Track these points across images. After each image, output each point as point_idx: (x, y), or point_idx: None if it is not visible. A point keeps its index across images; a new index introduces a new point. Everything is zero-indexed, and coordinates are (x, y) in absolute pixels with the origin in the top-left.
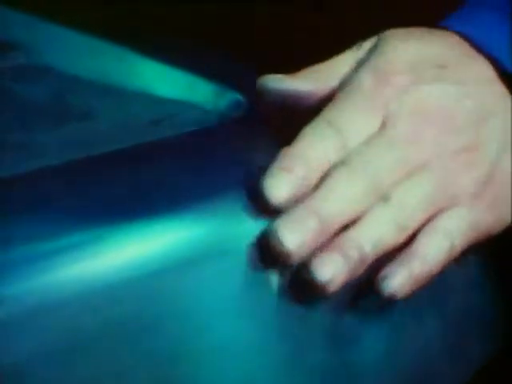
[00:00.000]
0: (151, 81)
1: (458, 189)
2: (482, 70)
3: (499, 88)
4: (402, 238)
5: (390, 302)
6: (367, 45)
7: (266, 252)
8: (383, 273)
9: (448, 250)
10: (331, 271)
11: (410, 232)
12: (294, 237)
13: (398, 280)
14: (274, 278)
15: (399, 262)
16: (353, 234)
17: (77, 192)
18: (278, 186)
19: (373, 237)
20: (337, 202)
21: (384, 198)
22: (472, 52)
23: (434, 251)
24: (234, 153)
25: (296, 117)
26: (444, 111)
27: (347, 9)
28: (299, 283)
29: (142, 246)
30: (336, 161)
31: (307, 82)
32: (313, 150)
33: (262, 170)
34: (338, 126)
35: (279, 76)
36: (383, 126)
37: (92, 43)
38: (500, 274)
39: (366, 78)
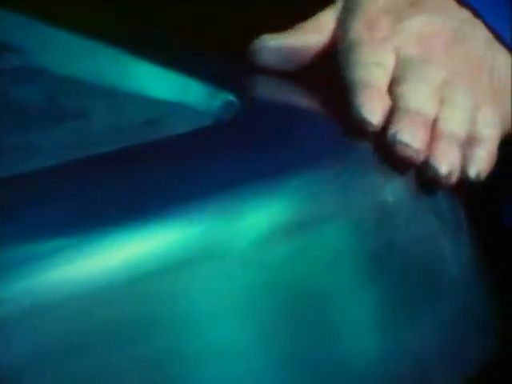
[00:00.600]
0: (144, 82)
1: (476, 92)
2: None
3: (464, 12)
4: (469, 126)
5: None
6: (339, 3)
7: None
8: (468, 155)
9: (496, 133)
10: (449, 161)
11: (472, 120)
12: (415, 139)
13: (481, 158)
14: (268, 280)
15: (472, 145)
16: (444, 125)
17: (71, 193)
18: (374, 107)
19: (459, 123)
20: (419, 100)
21: (443, 99)
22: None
23: (490, 134)
24: (227, 154)
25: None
26: (437, 34)
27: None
28: None
29: (137, 247)
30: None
31: (303, 37)
32: (371, 72)
33: (260, 170)
34: (376, 61)
35: (275, 35)
36: (400, 55)
37: (86, 44)
38: (498, 275)
39: (357, 27)
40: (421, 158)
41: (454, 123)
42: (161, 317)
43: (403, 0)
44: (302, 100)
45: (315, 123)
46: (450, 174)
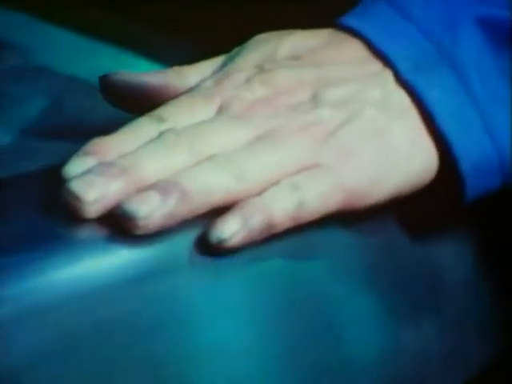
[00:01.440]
0: None
1: (310, 158)
2: (351, 52)
3: (371, 66)
4: (239, 189)
5: (222, 251)
6: (234, 50)
7: None
8: (215, 220)
9: (295, 203)
10: (148, 208)
11: (248, 185)
12: (94, 188)
13: (229, 226)
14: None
15: (234, 209)
16: (173, 176)
17: None
18: (72, 166)
19: (197, 179)
20: (143, 159)
21: (210, 157)
22: (342, 38)
23: (276, 202)
24: None
25: None
26: (289, 93)
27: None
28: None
29: (137, 247)
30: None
31: (160, 77)
32: (123, 135)
33: None
34: (164, 116)
35: (127, 71)
36: (217, 112)
37: (87, 43)
38: (500, 276)
39: (208, 80)
40: (92, 213)
41: (198, 177)
42: (162, 316)
43: (284, 52)
44: None
45: None
46: (145, 219)
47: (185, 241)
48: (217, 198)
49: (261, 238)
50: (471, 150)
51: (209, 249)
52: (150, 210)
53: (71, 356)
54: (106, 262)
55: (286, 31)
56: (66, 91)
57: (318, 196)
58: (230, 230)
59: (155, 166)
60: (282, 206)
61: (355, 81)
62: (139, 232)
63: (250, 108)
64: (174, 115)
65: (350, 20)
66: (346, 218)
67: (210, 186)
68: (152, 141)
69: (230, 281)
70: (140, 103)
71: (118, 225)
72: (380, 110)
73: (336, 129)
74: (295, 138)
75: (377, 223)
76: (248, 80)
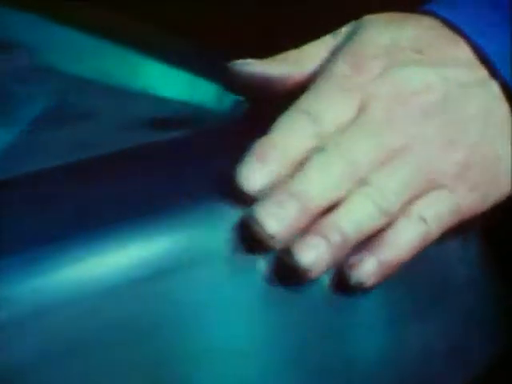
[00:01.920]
0: (153, 81)
1: (437, 172)
2: (460, 53)
3: (479, 71)
4: (382, 222)
5: (359, 291)
6: (344, 30)
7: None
8: (351, 260)
9: (422, 236)
10: (314, 255)
11: (390, 216)
12: (274, 221)
13: (366, 268)
14: (262, 272)
15: (369, 248)
16: (334, 217)
17: (78, 193)
18: (253, 177)
19: (354, 220)
20: (315, 185)
21: (363, 182)
22: (450, 35)
23: (406, 238)
24: (237, 153)
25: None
26: (421, 93)
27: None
28: (285, 273)
29: (142, 248)
30: (312, 148)
31: (281, 67)
32: (288, 138)
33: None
34: (314, 113)
35: (251, 60)
36: (360, 111)
37: (94, 43)
38: (503, 275)
39: (341, 64)
40: (276, 246)
41: (354, 216)
42: (166, 317)
43: (409, 42)
44: None
45: None
46: (310, 264)
47: (186, 242)
48: (365, 235)
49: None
50: None
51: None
52: (315, 258)
53: (74, 358)
54: (108, 264)
55: (397, 14)
56: (72, 91)
57: (440, 226)
58: (367, 272)
59: (323, 189)
60: (410, 240)
61: (470, 88)
62: (305, 278)
63: (389, 111)
64: (321, 113)
65: (446, 12)
66: None
67: (363, 225)
68: (316, 159)
69: (232, 282)
70: (261, 91)
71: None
72: (484, 125)
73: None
74: (424, 154)
75: None
76: (381, 74)
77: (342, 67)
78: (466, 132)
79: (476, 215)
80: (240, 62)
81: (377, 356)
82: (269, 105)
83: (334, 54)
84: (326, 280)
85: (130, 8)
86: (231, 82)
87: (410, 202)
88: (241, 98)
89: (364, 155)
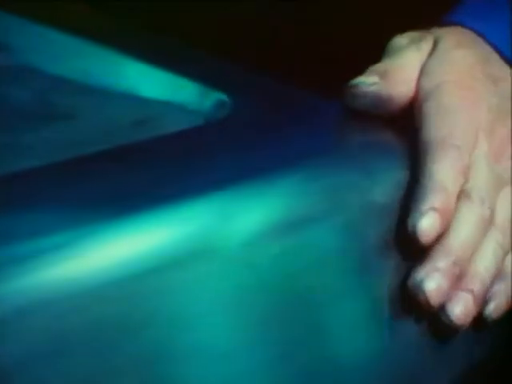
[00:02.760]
0: (135, 81)
1: None
2: (501, 72)
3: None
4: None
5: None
6: (425, 45)
7: None
8: (446, 300)
9: (496, 265)
10: (463, 309)
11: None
12: (434, 285)
13: (463, 306)
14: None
15: (463, 286)
16: (475, 268)
17: (61, 192)
18: (431, 225)
19: (489, 266)
20: (465, 239)
21: (491, 222)
22: (494, 53)
23: (485, 270)
24: (218, 153)
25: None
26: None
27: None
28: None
29: (127, 247)
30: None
31: (398, 87)
32: (449, 179)
33: (251, 170)
34: (458, 144)
35: (371, 79)
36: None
37: (76, 43)
38: None
39: (451, 93)
40: (433, 307)
41: (488, 263)
42: (153, 315)
43: (485, 72)
44: (293, 99)
45: (306, 122)
46: (463, 319)
47: (176, 240)
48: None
49: None
50: None
51: None
52: (465, 311)
53: (62, 356)
54: (96, 262)
55: (431, 34)
56: (54, 91)
57: None
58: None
59: (472, 243)
60: None
61: None
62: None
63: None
64: (466, 145)
65: (480, 26)
66: (335, 218)
67: (495, 268)
68: (464, 209)
69: (219, 281)
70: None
71: None
72: None
73: None
74: None
75: (365, 225)
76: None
77: (452, 97)
78: None
79: None
80: (360, 80)
81: (363, 358)
82: (250, 105)
83: (432, 68)
84: (314, 282)
85: (120, 8)
86: (351, 101)
87: None
88: (224, 98)
89: (490, 194)
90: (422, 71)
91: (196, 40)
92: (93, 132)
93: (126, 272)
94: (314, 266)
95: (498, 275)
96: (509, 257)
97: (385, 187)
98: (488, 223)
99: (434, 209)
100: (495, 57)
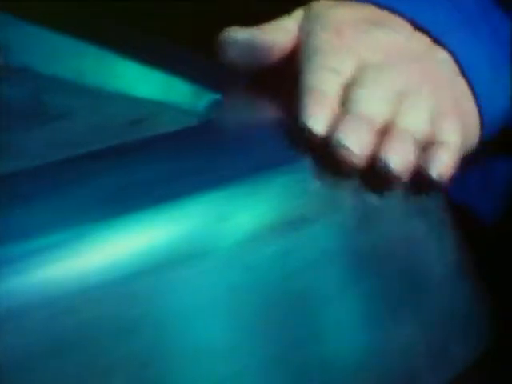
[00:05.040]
0: (129, 81)
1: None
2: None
3: (425, 38)
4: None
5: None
6: (299, 13)
7: None
8: (428, 157)
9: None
10: (400, 157)
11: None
12: (356, 144)
13: (445, 160)
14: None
15: (437, 147)
16: (401, 125)
17: (55, 193)
18: (320, 119)
19: (417, 123)
20: (369, 105)
21: (414, 92)
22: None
23: (453, 140)
24: (212, 153)
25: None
26: (403, 45)
27: None
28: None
29: (121, 247)
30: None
31: (266, 35)
32: (324, 81)
33: (245, 170)
34: (333, 68)
35: (244, 28)
36: (360, 63)
37: (70, 43)
38: (483, 274)
39: (322, 33)
40: (363, 162)
41: (412, 121)
42: (146, 316)
43: (365, 18)
44: (288, 98)
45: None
46: (402, 169)
47: (169, 240)
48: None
49: None
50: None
51: None
52: (402, 159)
53: (55, 357)
54: (89, 263)
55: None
56: (48, 91)
57: None
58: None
59: (378, 109)
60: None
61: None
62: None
63: (386, 58)
64: (338, 67)
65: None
66: (329, 218)
67: (424, 127)
68: (363, 84)
69: (213, 282)
70: (248, 60)
71: None
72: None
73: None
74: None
75: (360, 225)
76: (363, 34)
77: (324, 34)
78: (443, 75)
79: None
80: (233, 29)
81: (358, 358)
82: (243, 105)
83: (309, 24)
84: (309, 282)
85: (114, 7)
86: (220, 52)
87: None
88: (218, 97)
89: (394, 84)
90: (299, 26)
91: (186, 40)
92: (87, 132)
93: (120, 272)
94: (308, 267)
95: (431, 135)
96: (445, 122)
97: (379, 187)
98: (399, 98)
99: (313, 95)
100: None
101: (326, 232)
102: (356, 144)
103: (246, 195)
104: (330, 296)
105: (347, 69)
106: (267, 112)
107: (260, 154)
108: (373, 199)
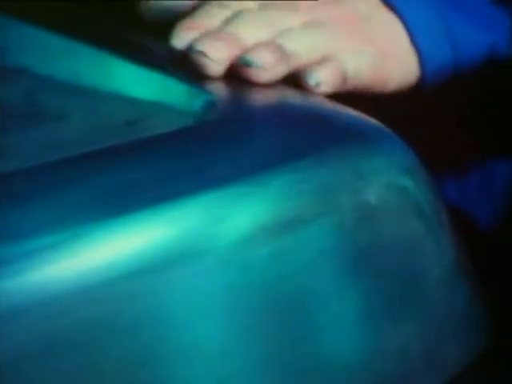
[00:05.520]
0: (125, 82)
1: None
2: None
3: None
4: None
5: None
6: None
7: None
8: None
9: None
10: (268, 58)
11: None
12: (215, 50)
13: (324, 72)
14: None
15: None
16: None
17: (51, 193)
18: (183, 35)
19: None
20: (242, 30)
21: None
22: None
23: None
24: (208, 154)
25: None
26: None
27: None
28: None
29: (117, 247)
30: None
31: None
32: (207, 19)
33: (241, 170)
34: (222, 3)
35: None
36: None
37: (66, 44)
38: (481, 275)
39: None
40: (220, 70)
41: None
42: (142, 317)
43: None
44: (284, 99)
45: (298, 122)
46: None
47: (165, 241)
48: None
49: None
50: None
51: None
52: (269, 59)
53: (50, 357)
54: (85, 263)
55: None
56: (44, 92)
57: None
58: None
59: (252, 32)
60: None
61: None
62: (261, 80)
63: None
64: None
65: None
66: (326, 219)
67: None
68: (235, 17)
69: (210, 281)
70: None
71: None
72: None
73: None
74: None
75: (356, 226)
76: None
77: None
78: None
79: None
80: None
81: (354, 359)
82: (239, 105)
83: None
84: (305, 281)
85: (110, 8)
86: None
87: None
88: (213, 98)
89: (283, 17)
90: None
91: None
92: (83, 132)
93: (116, 273)
94: (304, 267)
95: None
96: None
97: (377, 188)
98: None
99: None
100: None
101: (322, 233)
102: (213, 50)
103: (242, 196)
104: (326, 297)
105: (238, 5)
106: (264, 112)
107: (256, 155)
108: (369, 200)
